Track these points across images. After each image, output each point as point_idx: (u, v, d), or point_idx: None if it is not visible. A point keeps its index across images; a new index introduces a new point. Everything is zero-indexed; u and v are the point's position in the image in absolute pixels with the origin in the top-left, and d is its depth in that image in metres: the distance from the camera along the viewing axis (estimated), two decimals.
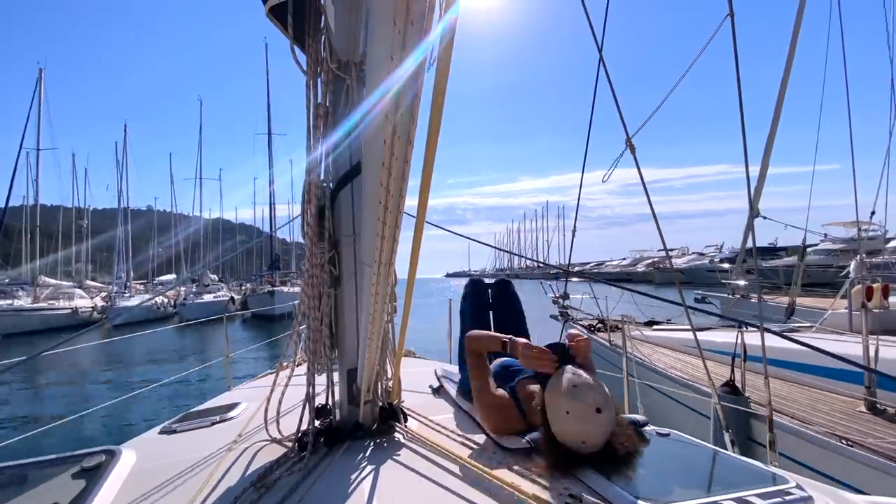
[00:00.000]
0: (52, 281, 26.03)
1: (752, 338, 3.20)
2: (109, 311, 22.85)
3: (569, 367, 1.30)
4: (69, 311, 22.12)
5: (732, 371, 3.30)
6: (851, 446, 2.71)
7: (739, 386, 3.35)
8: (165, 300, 26.23)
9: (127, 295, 26.25)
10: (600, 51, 2.53)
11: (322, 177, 1.54)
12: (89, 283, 31.09)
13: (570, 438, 1.20)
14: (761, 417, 3.09)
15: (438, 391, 2.20)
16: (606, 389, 1.25)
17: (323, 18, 1.48)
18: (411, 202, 1.19)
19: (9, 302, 21.62)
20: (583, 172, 4.14)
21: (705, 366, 2.90)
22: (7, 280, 26.37)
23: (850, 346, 4.07)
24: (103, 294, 28.98)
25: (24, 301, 22.21)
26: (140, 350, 14.13)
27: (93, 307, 24.02)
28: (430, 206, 1.27)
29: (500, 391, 1.63)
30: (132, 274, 33.15)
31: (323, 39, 1.49)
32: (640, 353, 5.07)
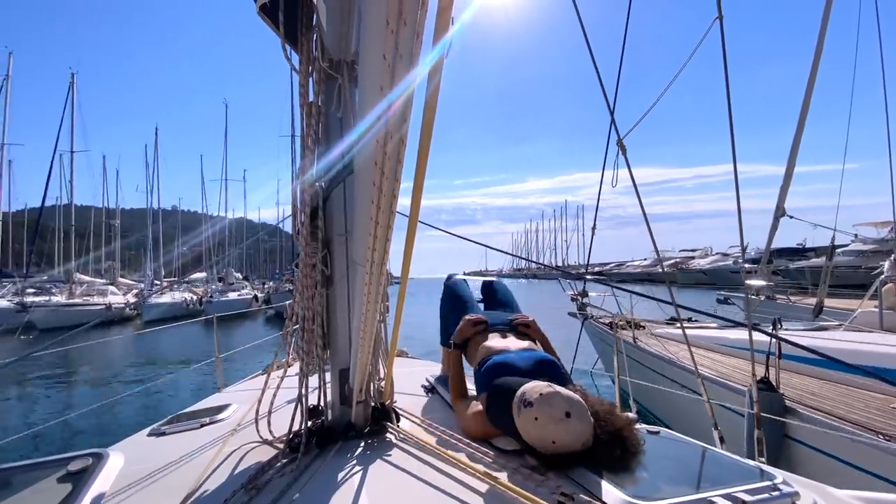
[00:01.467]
0: (87, 278, 27.10)
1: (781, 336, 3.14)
2: (142, 308, 23.68)
3: (537, 382, 1.34)
4: (103, 307, 22.99)
5: (767, 369, 3.26)
6: (889, 440, 2.65)
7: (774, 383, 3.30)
8: (193, 297, 27.04)
9: (157, 292, 27.11)
10: (594, 60, 2.49)
11: (314, 176, 1.53)
12: (121, 280, 32.23)
13: (539, 443, 1.24)
14: (798, 414, 3.09)
15: (431, 391, 2.19)
16: (577, 396, 1.27)
17: (315, 17, 1.47)
18: (404, 202, 1.18)
19: (45, 298, 22.60)
20: (602, 172, 4.06)
21: (693, 360, 2.94)
22: (45, 277, 27.56)
23: (881, 345, 3.94)
24: (134, 291, 30.03)
25: (59, 298, 23.18)
26: (167, 346, 14.60)
27: (125, 303, 24.93)
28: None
29: (485, 395, 1.61)
30: (162, 272, 34.25)
31: (315, 38, 1.49)
32: (667, 351, 5.01)
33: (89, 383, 10.35)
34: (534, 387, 1.29)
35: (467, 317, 2.00)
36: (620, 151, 2.55)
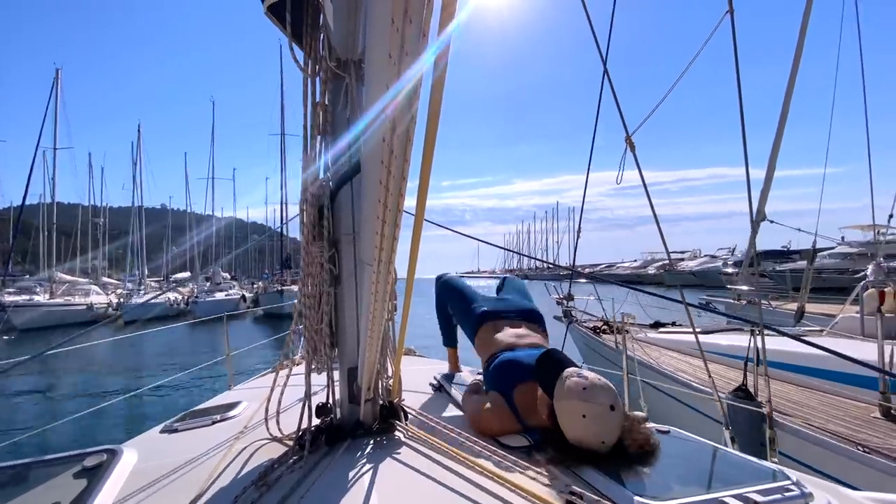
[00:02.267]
0: (69, 277, 26.57)
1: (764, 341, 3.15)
2: (123, 308, 23.27)
3: (572, 370, 1.32)
4: (84, 307, 22.54)
5: (745, 375, 3.26)
6: (868, 453, 2.66)
7: (752, 390, 3.30)
8: (179, 297, 26.65)
9: (142, 292, 26.65)
10: (601, 51, 2.49)
11: (321, 175, 1.54)
12: (105, 279, 31.67)
13: (589, 441, 1.22)
14: (777, 423, 3.05)
15: (439, 389, 2.19)
16: (612, 385, 1.27)
17: (322, 16, 1.48)
18: (410, 201, 1.19)
19: (26, 297, 22.10)
20: (588, 174, 4.11)
21: (707, 369, 2.92)
22: (27, 276, 26.95)
23: (863, 351, 3.99)
24: (118, 291, 29.50)
25: (40, 297, 22.69)
26: (151, 347, 14.37)
27: (108, 304, 24.46)
28: (428, 208, 1.27)
29: (493, 393, 1.63)
30: (147, 272, 33.70)
31: (322, 37, 1.49)
32: (648, 355, 5.01)
33: (76, 386, 10.18)
34: (574, 381, 1.26)
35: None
36: (629, 148, 2.53)
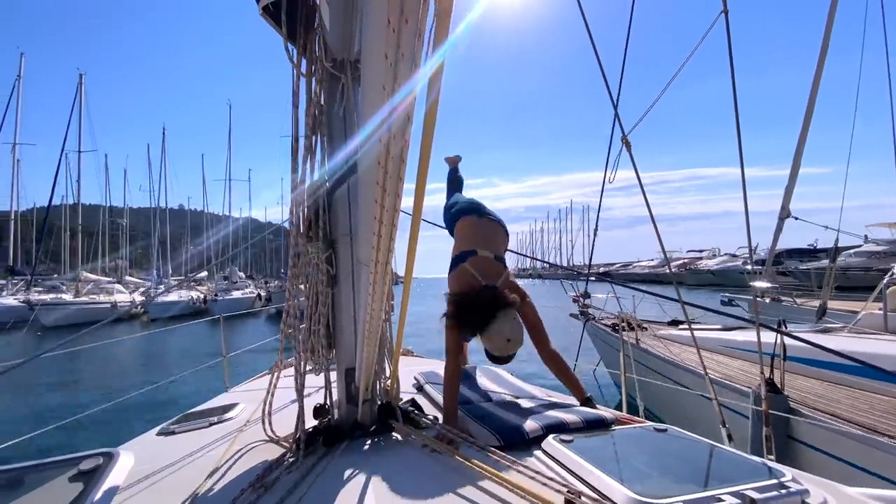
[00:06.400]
0: (93, 276, 27.26)
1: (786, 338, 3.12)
2: (148, 306, 23.90)
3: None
4: (109, 305, 23.13)
5: (772, 371, 3.24)
6: None
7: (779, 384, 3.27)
8: (199, 295, 27.21)
9: (163, 290, 27.20)
10: (597, 49, 2.46)
11: (319, 176, 1.54)
12: (128, 278, 32.45)
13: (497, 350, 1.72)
14: (803, 415, 3.08)
15: (420, 389, 2.18)
16: (517, 323, 1.71)
17: (317, 16, 1.48)
18: (407, 201, 1.19)
19: (53, 296, 22.77)
20: (605, 174, 4.02)
21: (701, 361, 2.90)
22: (55, 276, 27.80)
23: (886, 347, 3.91)
24: (141, 289, 30.21)
25: (66, 296, 23.36)
26: (174, 344, 14.72)
27: (131, 302, 25.05)
28: (423, 208, 1.27)
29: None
30: (170, 270, 34.46)
31: (318, 38, 1.49)
32: (669, 352, 4.97)
33: (96, 383, 10.38)
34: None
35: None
36: (625, 148, 2.52)
